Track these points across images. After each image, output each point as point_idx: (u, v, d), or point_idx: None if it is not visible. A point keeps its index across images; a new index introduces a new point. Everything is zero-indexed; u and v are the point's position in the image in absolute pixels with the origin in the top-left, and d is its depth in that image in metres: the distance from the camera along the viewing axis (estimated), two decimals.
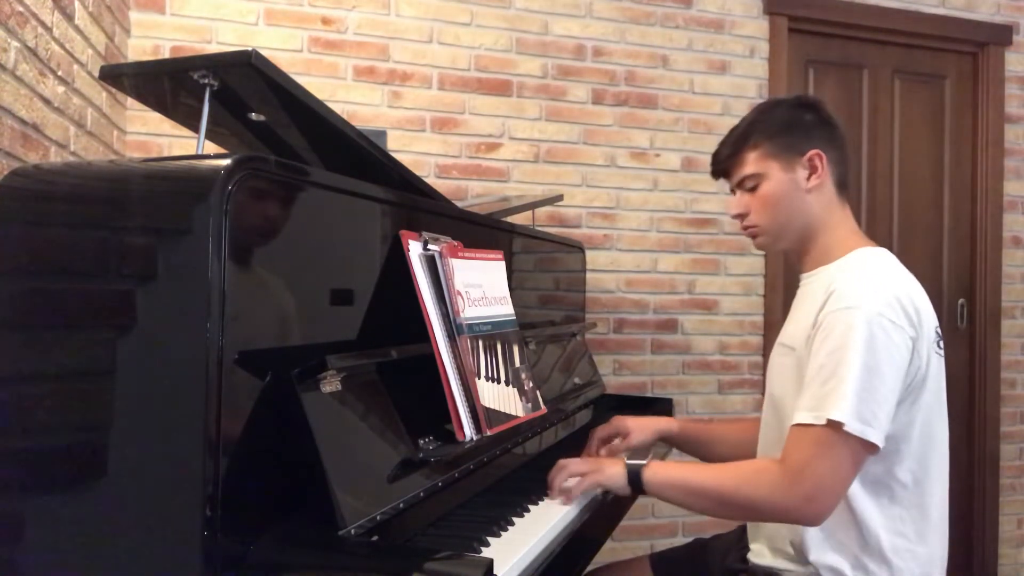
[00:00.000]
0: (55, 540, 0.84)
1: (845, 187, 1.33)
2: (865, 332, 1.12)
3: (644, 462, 1.24)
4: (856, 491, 1.18)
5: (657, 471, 1.23)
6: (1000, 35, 2.93)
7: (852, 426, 1.09)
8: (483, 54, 2.40)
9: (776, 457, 1.21)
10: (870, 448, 1.12)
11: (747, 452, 1.40)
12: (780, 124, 1.31)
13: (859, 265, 1.24)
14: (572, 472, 1.27)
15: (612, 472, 1.25)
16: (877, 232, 2.86)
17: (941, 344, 1.26)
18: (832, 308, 1.17)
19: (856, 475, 1.15)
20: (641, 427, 1.53)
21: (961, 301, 2.97)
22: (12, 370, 0.88)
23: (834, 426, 1.10)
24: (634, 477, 1.23)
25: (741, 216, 1.35)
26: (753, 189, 1.32)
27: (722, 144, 1.38)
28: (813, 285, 1.29)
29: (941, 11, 2.87)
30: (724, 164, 1.37)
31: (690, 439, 1.57)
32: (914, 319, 1.16)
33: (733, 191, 1.38)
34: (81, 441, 0.85)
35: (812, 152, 1.28)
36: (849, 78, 2.86)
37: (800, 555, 1.23)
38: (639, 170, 2.57)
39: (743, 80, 2.66)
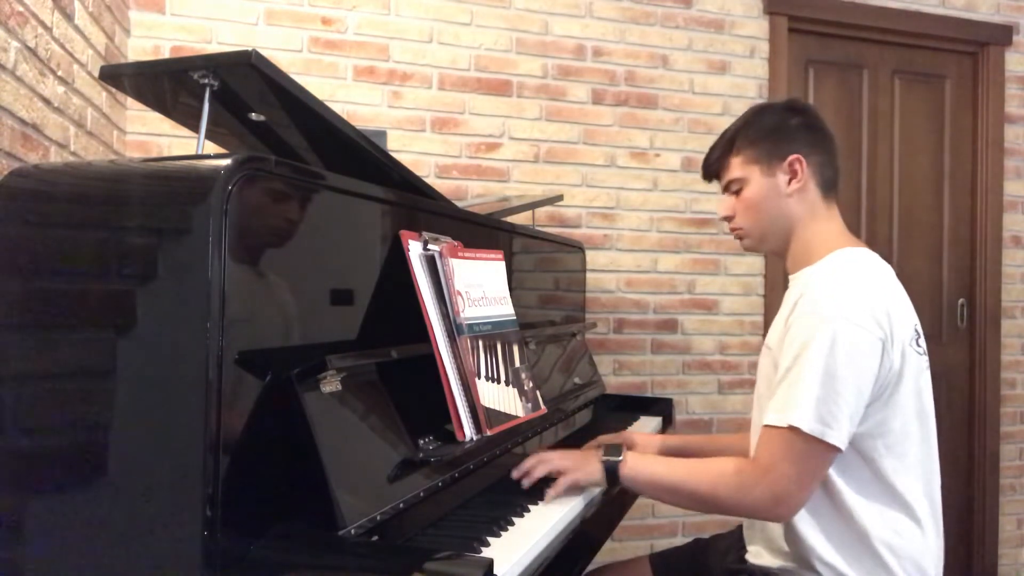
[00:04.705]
0: (55, 540, 0.84)
1: (832, 189, 1.35)
2: (827, 335, 1.14)
3: (620, 458, 1.27)
4: (847, 490, 1.19)
5: (633, 467, 1.27)
6: (1000, 35, 2.93)
7: (812, 428, 1.12)
8: (483, 54, 2.40)
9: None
10: (832, 449, 1.14)
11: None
12: (763, 130, 1.34)
13: (833, 267, 1.26)
14: (552, 469, 1.29)
15: (590, 470, 1.28)
16: (877, 232, 2.86)
17: (921, 342, 1.27)
18: (800, 311, 1.20)
19: (823, 475, 1.17)
20: (646, 443, 1.57)
21: (961, 301, 2.97)
22: (12, 370, 0.88)
23: (794, 429, 1.13)
24: (611, 474, 1.27)
25: (728, 218, 1.40)
26: (738, 192, 1.36)
27: (712, 148, 1.42)
28: (794, 285, 1.32)
29: (941, 11, 2.87)
30: (713, 167, 1.42)
31: (690, 454, 1.57)
32: (882, 320, 1.17)
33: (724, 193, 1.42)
34: (81, 441, 0.85)
35: (792, 157, 1.30)
36: (849, 78, 2.85)
37: (797, 555, 1.24)
38: (639, 170, 2.57)
39: (743, 80, 2.66)
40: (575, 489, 1.29)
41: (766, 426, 1.17)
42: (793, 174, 1.31)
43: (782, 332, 1.23)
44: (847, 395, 1.13)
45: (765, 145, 1.32)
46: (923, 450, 1.24)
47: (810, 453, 1.14)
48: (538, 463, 1.30)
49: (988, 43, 2.92)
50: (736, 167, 1.35)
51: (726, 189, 1.39)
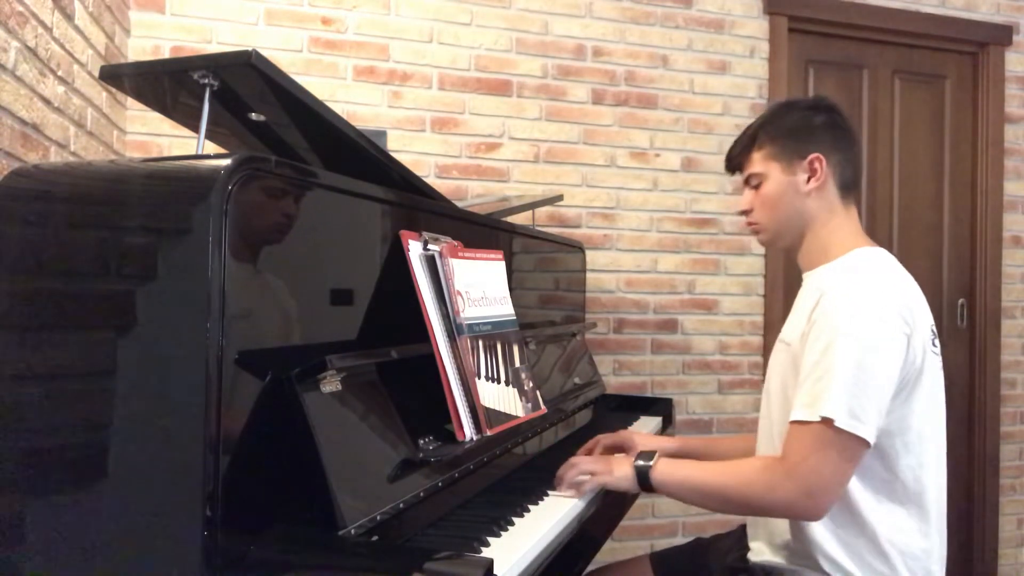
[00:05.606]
0: (55, 540, 0.84)
1: (851, 189, 1.35)
2: (855, 330, 1.14)
3: (651, 463, 1.27)
4: (857, 487, 1.19)
5: (664, 471, 1.26)
6: (1000, 35, 2.93)
7: (843, 422, 1.11)
8: (483, 54, 2.40)
9: (774, 452, 1.23)
10: (863, 443, 1.13)
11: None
12: (786, 127, 1.34)
13: (854, 264, 1.26)
14: (583, 470, 1.30)
15: (621, 473, 1.28)
16: (877, 232, 2.86)
17: (937, 343, 1.28)
18: (825, 306, 1.19)
19: (854, 469, 1.16)
20: (647, 443, 1.55)
21: (961, 301, 2.97)
22: (12, 370, 0.88)
23: (827, 422, 1.12)
24: (643, 477, 1.26)
25: (746, 212, 1.40)
26: (757, 187, 1.36)
27: (736, 141, 1.42)
28: (811, 283, 1.31)
29: (941, 11, 2.87)
30: (736, 160, 1.42)
31: (690, 456, 1.57)
32: (907, 316, 1.18)
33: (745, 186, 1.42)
34: (81, 441, 0.85)
35: (812, 156, 1.30)
36: (849, 78, 2.85)
37: (800, 551, 1.24)
38: (639, 170, 2.57)
39: (743, 80, 2.66)
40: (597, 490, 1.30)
41: (794, 422, 1.16)
42: (812, 173, 1.31)
43: (804, 328, 1.23)
44: (876, 389, 1.13)
45: (786, 142, 1.33)
46: (936, 451, 1.25)
47: (841, 447, 1.13)
48: (568, 468, 1.31)
49: (988, 43, 2.92)
50: (757, 162, 1.35)
51: (747, 183, 1.39)
